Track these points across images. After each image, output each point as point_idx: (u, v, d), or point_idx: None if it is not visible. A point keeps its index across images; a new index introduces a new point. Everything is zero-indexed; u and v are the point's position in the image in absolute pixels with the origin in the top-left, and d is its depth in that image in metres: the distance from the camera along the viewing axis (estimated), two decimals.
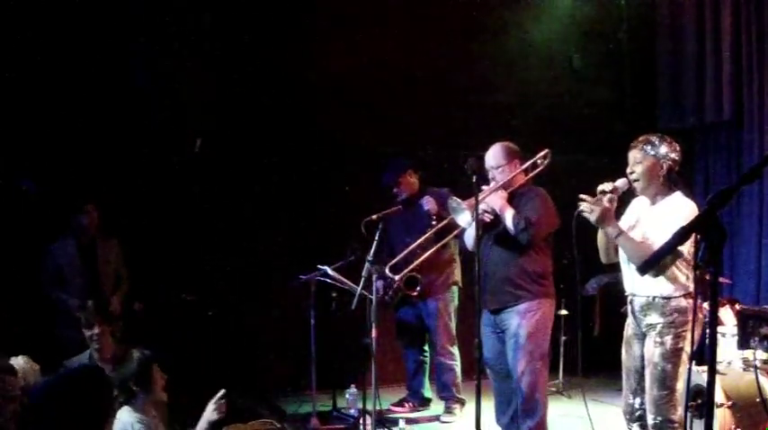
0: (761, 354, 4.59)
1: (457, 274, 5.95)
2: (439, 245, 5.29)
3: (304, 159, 6.62)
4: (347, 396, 5.85)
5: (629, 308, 4.04)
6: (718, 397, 4.36)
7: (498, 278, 4.64)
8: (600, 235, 4.06)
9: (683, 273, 3.82)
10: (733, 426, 4.38)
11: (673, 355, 3.81)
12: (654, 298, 3.87)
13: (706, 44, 6.85)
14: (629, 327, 4.04)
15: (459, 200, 4.53)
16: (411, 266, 5.32)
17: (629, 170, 3.93)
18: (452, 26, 7.05)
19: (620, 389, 4.24)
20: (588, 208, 3.85)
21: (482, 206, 4.56)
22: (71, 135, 5.89)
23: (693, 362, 3.94)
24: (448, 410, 5.92)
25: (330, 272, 5.41)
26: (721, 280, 5.76)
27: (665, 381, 3.81)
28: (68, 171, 5.85)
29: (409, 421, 5.75)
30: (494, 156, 4.74)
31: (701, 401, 4.29)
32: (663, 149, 3.88)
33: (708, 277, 2.17)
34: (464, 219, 4.54)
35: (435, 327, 5.90)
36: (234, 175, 6.44)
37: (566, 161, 5.16)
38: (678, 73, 7.17)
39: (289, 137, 6.58)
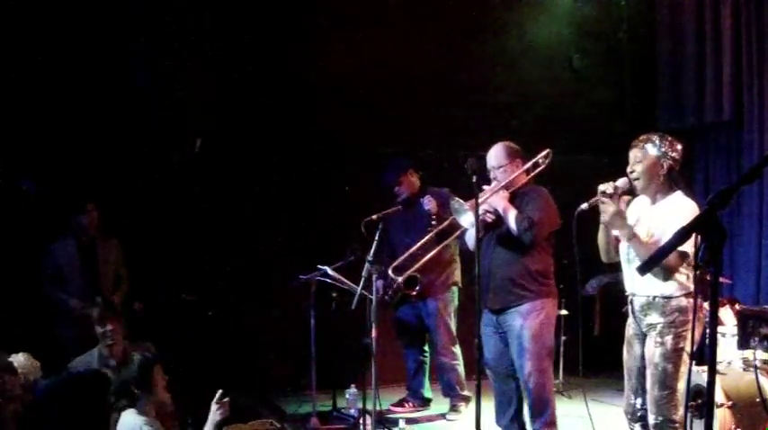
0: (761, 354, 4.59)
1: (457, 275, 5.96)
2: (441, 245, 5.29)
3: (304, 159, 6.62)
4: (347, 396, 5.85)
5: (629, 308, 4.04)
6: (718, 397, 4.35)
7: (501, 278, 4.64)
8: (600, 234, 4.06)
9: (683, 273, 3.82)
10: (733, 426, 4.37)
11: (673, 355, 3.81)
12: (654, 297, 3.87)
13: (706, 44, 6.84)
14: (630, 327, 4.04)
15: (461, 201, 4.52)
16: (414, 268, 5.32)
17: (629, 169, 3.93)
18: (452, 26, 7.05)
19: (620, 389, 4.24)
20: (604, 202, 3.84)
21: (484, 206, 4.56)
22: (71, 135, 5.89)
23: (693, 362, 3.94)
24: (453, 408, 5.92)
25: (330, 272, 5.41)
26: (721, 280, 5.76)
27: (666, 381, 3.81)
28: (68, 171, 5.85)
29: (409, 421, 5.75)
30: (495, 156, 4.74)
31: (701, 401, 4.29)
32: (663, 148, 3.88)
33: (708, 277, 2.17)
34: (467, 219, 4.54)
35: (435, 327, 5.90)
36: (234, 175, 6.44)
37: (566, 161, 5.15)
38: (678, 73, 7.17)
39: (289, 137, 6.58)
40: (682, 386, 3.81)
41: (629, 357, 4.06)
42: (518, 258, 4.62)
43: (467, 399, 5.90)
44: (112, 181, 5.97)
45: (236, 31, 6.50)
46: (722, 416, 4.35)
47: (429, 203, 5.67)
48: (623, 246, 4.02)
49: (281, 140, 6.56)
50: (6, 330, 5.09)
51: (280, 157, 6.55)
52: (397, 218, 5.81)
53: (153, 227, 6.10)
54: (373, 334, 4.79)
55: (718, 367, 4.63)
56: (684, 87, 7.10)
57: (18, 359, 3.84)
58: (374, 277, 4.92)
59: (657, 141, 3.90)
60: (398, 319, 6.09)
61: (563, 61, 7.64)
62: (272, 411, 5.71)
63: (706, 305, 4.15)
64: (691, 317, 3.78)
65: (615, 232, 3.95)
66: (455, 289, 5.96)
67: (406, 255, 5.27)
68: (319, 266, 5.47)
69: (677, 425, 3.81)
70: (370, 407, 4.96)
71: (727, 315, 5.00)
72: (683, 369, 3.81)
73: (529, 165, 4.72)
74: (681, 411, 3.81)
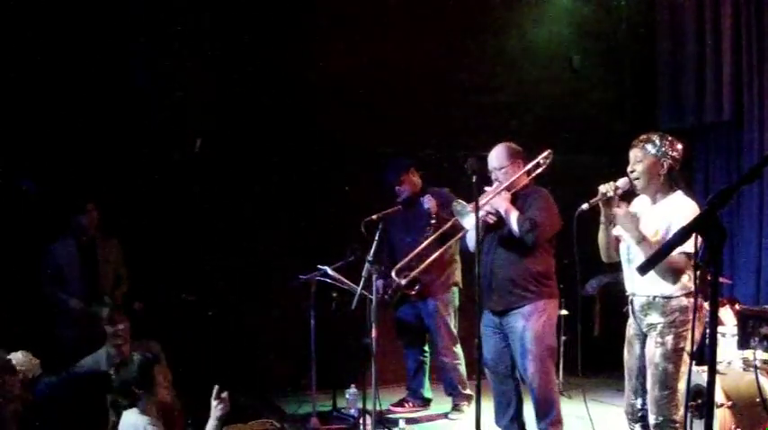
0: (761, 354, 4.59)
1: (457, 275, 5.95)
2: (443, 248, 5.30)
3: (304, 159, 6.62)
4: (347, 396, 5.85)
5: (629, 308, 4.04)
6: (718, 397, 4.35)
7: (503, 279, 4.64)
8: (601, 234, 4.06)
9: (684, 273, 3.82)
10: (733, 426, 4.37)
11: (674, 355, 3.81)
12: (654, 297, 3.87)
13: (706, 44, 6.84)
14: (631, 327, 4.04)
15: (463, 202, 4.51)
16: (417, 270, 5.32)
17: (629, 169, 3.93)
18: (452, 26, 7.05)
19: (620, 389, 4.24)
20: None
21: (486, 208, 4.57)
22: (71, 135, 5.89)
23: (693, 362, 3.94)
24: (456, 408, 5.92)
25: (330, 272, 5.40)
26: (721, 280, 5.76)
27: (667, 381, 3.81)
28: (68, 171, 5.85)
29: (409, 421, 5.74)
30: (497, 156, 4.74)
31: (701, 401, 4.29)
32: (663, 148, 3.87)
33: (708, 277, 2.17)
34: (469, 221, 4.53)
35: (435, 328, 5.90)
36: (234, 175, 6.44)
37: (566, 161, 5.15)
38: (678, 73, 7.17)
39: (289, 137, 6.57)
40: (682, 386, 3.81)
41: (629, 357, 4.06)
42: (520, 259, 4.62)
43: (469, 398, 5.90)
44: (112, 181, 5.97)
45: (236, 31, 6.49)
46: (722, 416, 4.35)
47: (429, 202, 5.68)
48: (623, 246, 4.02)
49: (281, 140, 6.56)
50: (6, 330, 5.09)
51: (280, 157, 6.55)
52: (397, 217, 5.81)
53: (153, 227, 6.09)
54: (373, 334, 4.78)
55: (718, 367, 4.63)
56: (684, 87, 7.10)
57: (17, 357, 3.84)
58: (374, 277, 4.92)
59: (657, 141, 3.89)
60: (398, 319, 6.08)
61: (563, 61, 7.65)
62: (272, 411, 5.71)
63: (706, 305, 4.15)
64: (691, 316, 3.78)
65: (623, 233, 3.94)
66: (455, 289, 5.96)
67: (409, 257, 5.27)
68: (319, 266, 5.46)
69: (677, 425, 3.81)
70: (370, 407, 4.96)
71: (727, 315, 5.00)
72: (684, 369, 3.81)
73: (530, 166, 4.72)
74: (681, 411, 3.81)
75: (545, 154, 4.72)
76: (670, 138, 3.93)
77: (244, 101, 6.53)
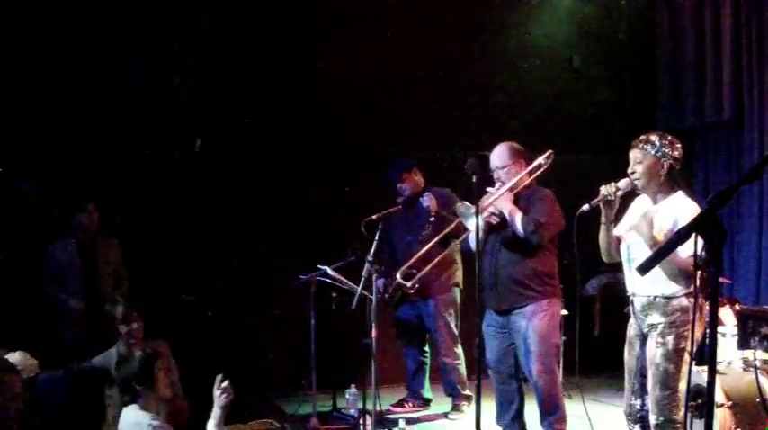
0: (761, 354, 4.59)
1: (458, 275, 5.95)
2: (447, 249, 5.31)
3: (304, 159, 6.62)
4: (347, 396, 5.85)
5: (630, 308, 4.04)
6: (718, 397, 4.35)
7: (506, 279, 4.64)
8: (601, 234, 4.06)
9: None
10: (733, 426, 4.37)
11: (675, 355, 3.81)
12: (655, 297, 3.87)
13: (706, 44, 6.84)
14: (632, 328, 4.04)
15: (467, 204, 4.50)
16: (423, 271, 5.32)
17: (630, 170, 3.92)
18: (452, 26, 7.05)
19: (620, 389, 4.24)
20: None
21: (490, 209, 4.57)
22: (71, 135, 5.89)
23: (693, 362, 3.93)
24: (456, 408, 5.92)
25: (330, 272, 5.40)
26: (721, 280, 5.76)
27: (668, 382, 3.81)
28: (68, 171, 5.85)
29: (409, 421, 5.74)
30: (499, 155, 4.73)
31: (701, 401, 4.29)
32: (663, 148, 3.86)
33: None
34: (474, 223, 4.54)
35: (436, 328, 5.90)
36: (234, 175, 6.44)
37: (566, 161, 5.15)
38: (678, 73, 7.17)
39: (289, 137, 6.57)
40: (683, 386, 3.80)
41: (630, 358, 4.05)
42: (524, 259, 4.63)
43: (469, 399, 5.90)
44: (112, 181, 5.97)
45: (236, 31, 6.49)
46: (722, 416, 4.35)
47: (428, 200, 5.67)
48: (624, 247, 4.02)
49: (281, 140, 6.56)
50: (6, 330, 5.09)
51: (280, 157, 6.55)
52: (398, 217, 5.82)
53: (153, 227, 6.10)
54: (373, 334, 4.78)
55: (718, 367, 4.63)
56: (684, 87, 7.11)
57: (14, 357, 3.84)
58: (374, 277, 4.92)
59: (657, 141, 3.89)
60: (399, 319, 6.08)
61: (563, 61, 7.65)
62: (272, 411, 5.71)
63: (707, 305, 4.15)
64: (692, 317, 3.77)
65: (630, 235, 3.93)
66: (457, 289, 5.95)
67: (414, 259, 5.27)
68: (319, 266, 5.46)
69: (678, 425, 3.80)
70: (370, 407, 4.96)
71: (727, 315, 5.00)
72: (685, 369, 3.81)
73: (532, 166, 4.71)
74: (682, 411, 3.80)
75: (547, 154, 4.71)
76: (670, 138, 3.93)
77: (244, 101, 6.53)
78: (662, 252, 2.40)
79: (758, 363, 4.49)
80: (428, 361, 6.14)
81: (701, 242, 2.12)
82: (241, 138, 6.50)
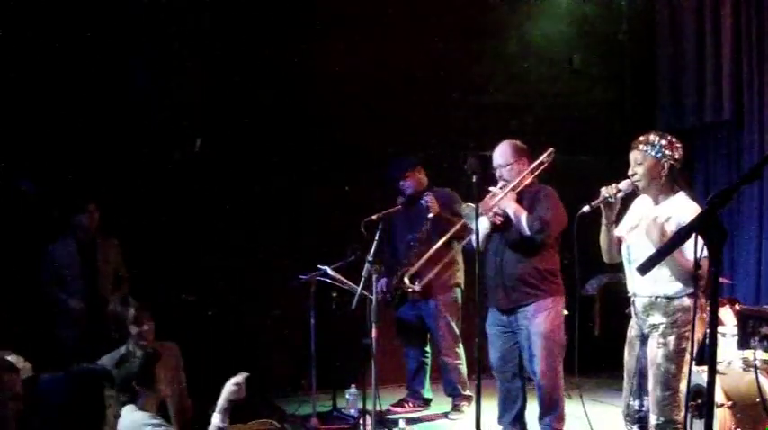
0: (761, 354, 4.58)
1: (459, 276, 5.94)
2: (453, 251, 5.31)
3: (304, 159, 6.62)
4: (347, 396, 5.85)
5: (632, 309, 4.03)
6: (718, 397, 4.35)
7: (512, 278, 4.65)
8: (602, 235, 4.05)
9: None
10: (733, 426, 4.37)
11: (676, 356, 3.80)
12: (657, 298, 3.86)
13: (706, 44, 6.84)
14: (633, 329, 4.03)
15: (472, 205, 4.48)
16: (429, 275, 5.31)
17: (630, 171, 3.90)
18: (452, 26, 7.05)
19: (619, 389, 4.24)
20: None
21: (494, 209, 4.57)
22: (71, 135, 5.89)
23: (693, 363, 3.93)
24: (456, 408, 5.92)
25: (330, 272, 5.41)
26: (721, 280, 5.76)
27: (669, 382, 3.80)
28: (68, 171, 5.85)
29: (409, 421, 5.74)
30: (502, 154, 4.73)
31: (701, 401, 4.29)
32: (663, 149, 3.85)
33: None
34: (481, 224, 4.54)
35: (436, 328, 5.90)
36: (234, 175, 6.44)
37: (565, 161, 5.15)
38: (678, 73, 7.16)
39: (289, 137, 6.57)
40: (684, 387, 3.80)
41: (629, 358, 4.05)
42: (528, 258, 4.64)
43: (469, 399, 5.90)
44: (112, 181, 5.97)
45: (236, 31, 6.49)
46: (722, 416, 4.35)
47: (429, 201, 5.66)
48: (624, 247, 4.01)
49: (281, 140, 6.56)
50: (6, 330, 5.09)
51: (280, 157, 6.55)
52: (399, 216, 5.81)
53: (153, 227, 6.09)
54: (373, 334, 4.79)
55: (718, 367, 4.63)
56: (684, 87, 7.10)
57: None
58: (374, 277, 4.92)
59: (657, 142, 3.87)
60: (400, 320, 6.08)
61: (563, 61, 7.65)
62: (272, 411, 5.70)
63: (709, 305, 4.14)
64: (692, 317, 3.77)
65: (635, 238, 3.93)
66: (458, 290, 5.95)
67: (420, 262, 5.26)
68: (319, 266, 5.46)
69: (679, 426, 3.79)
70: (370, 407, 4.96)
71: (727, 315, 5.00)
72: (686, 369, 3.80)
73: (534, 164, 4.71)
74: (683, 412, 3.80)
75: (548, 151, 4.72)
76: (670, 138, 3.91)
77: (244, 101, 6.53)
78: (662, 252, 2.40)
79: (758, 363, 4.48)
80: (429, 361, 6.14)
81: (701, 242, 2.12)
82: (241, 138, 6.49)
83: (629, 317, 4.09)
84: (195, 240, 6.28)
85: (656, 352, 3.85)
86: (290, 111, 6.59)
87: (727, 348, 4.86)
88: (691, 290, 3.78)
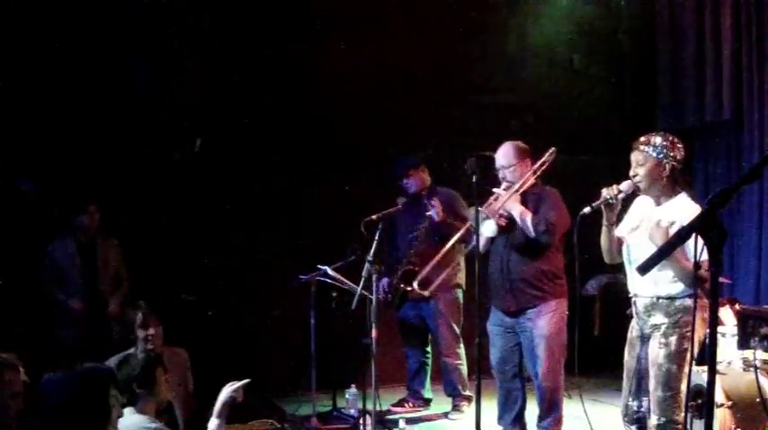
0: (761, 354, 4.59)
1: (460, 277, 5.94)
2: (463, 254, 5.32)
3: (304, 159, 6.62)
4: (347, 396, 5.85)
5: (633, 309, 4.03)
6: (718, 397, 4.35)
7: (517, 279, 4.65)
8: (603, 236, 4.04)
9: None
10: (733, 426, 4.37)
11: (677, 356, 3.80)
12: (658, 298, 3.86)
13: (706, 44, 6.83)
14: (634, 329, 4.03)
15: (480, 209, 4.48)
16: (439, 279, 5.31)
17: (631, 173, 3.89)
18: (452, 26, 7.05)
19: (619, 389, 4.23)
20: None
21: (499, 210, 4.57)
22: (71, 135, 5.89)
23: (694, 362, 3.93)
24: (456, 408, 5.92)
25: (330, 272, 5.41)
26: (721, 280, 5.76)
27: (670, 382, 3.80)
28: (68, 171, 5.85)
29: (409, 421, 5.74)
30: (504, 155, 4.73)
31: (701, 401, 4.29)
32: (665, 150, 3.83)
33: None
34: (488, 227, 4.54)
35: (437, 328, 5.90)
36: (234, 175, 6.44)
37: (565, 161, 5.15)
38: (678, 73, 7.16)
39: (289, 137, 6.57)
40: (685, 387, 3.80)
41: (629, 358, 4.04)
42: (533, 259, 4.64)
43: (469, 399, 5.90)
44: (112, 181, 5.97)
45: (236, 31, 6.49)
46: (722, 416, 4.35)
47: (434, 209, 5.63)
48: (625, 248, 4.01)
49: (281, 140, 6.56)
50: (6, 330, 5.09)
51: (280, 157, 6.55)
52: (401, 215, 5.81)
53: (153, 227, 6.09)
54: (373, 334, 4.79)
55: (718, 367, 4.63)
56: (684, 87, 7.10)
57: None
58: (374, 277, 4.92)
59: (659, 143, 3.85)
60: (401, 320, 6.08)
61: (563, 61, 7.64)
62: (272, 411, 5.70)
63: None
64: (696, 317, 3.76)
65: (631, 236, 3.93)
66: (459, 290, 5.95)
67: (428, 267, 5.26)
68: (319, 266, 5.46)
69: (679, 426, 3.79)
70: (370, 407, 4.96)
71: (727, 315, 5.00)
72: (687, 370, 3.80)
73: (537, 165, 4.71)
74: (683, 412, 3.80)
75: (550, 151, 4.71)
76: (671, 139, 3.90)
77: (244, 101, 6.53)
78: (663, 252, 2.40)
79: (758, 363, 4.48)
80: (430, 361, 6.14)
81: (701, 242, 2.12)
82: (241, 138, 6.49)
83: (629, 317, 4.09)
84: (195, 240, 6.28)
85: (657, 352, 3.84)
86: (290, 111, 6.58)
87: (727, 348, 4.86)
88: (691, 290, 3.78)
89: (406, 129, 6.77)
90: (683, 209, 3.80)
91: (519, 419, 4.85)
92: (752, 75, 6.52)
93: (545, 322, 4.61)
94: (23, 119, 5.76)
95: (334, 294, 5.66)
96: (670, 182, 3.87)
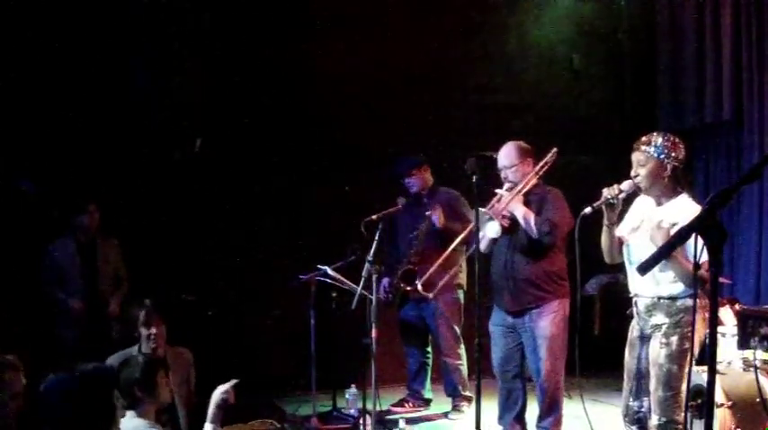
0: (761, 354, 4.58)
1: (461, 277, 5.94)
2: (466, 255, 5.32)
3: (304, 159, 6.62)
4: (347, 396, 5.85)
5: (634, 309, 4.03)
6: (718, 397, 4.35)
7: (520, 280, 4.65)
8: (604, 236, 4.04)
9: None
10: (733, 426, 4.37)
11: (678, 356, 3.79)
12: (659, 298, 3.86)
13: (706, 44, 6.84)
14: (634, 330, 4.03)
15: (482, 210, 4.46)
16: (443, 280, 5.31)
17: (633, 173, 3.88)
18: (452, 26, 7.05)
19: (619, 389, 4.23)
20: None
21: (502, 212, 4.58)
22: (71, 135, 5.89)
23: (694, 362, 3.93)
24: (456, 408, 5.92)
25: (330, 272, 5.41)
26: (721, 280, 5.76)
27: (671, 382, 3.80)
28: (68, 171, 5.85)
29: (409, 421, 5.74)
30: (507, 155, 4.72)
31: (701, 401, 4.29)
32: (666, 150, 3.83)
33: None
34: (492, 228, 4.53)
35: (437, 328, 5.90)
36: (234, 175, 6.44)
37: (565, 161, 5.15)
38: (678, 73, 7.16)
39: (289, 137, 6.57)
40: (686, 387, 3.80)
41: (630, 358, 4.04)
42: (536, 260, 4.64)
43: (469, 400, 5.90)
44: (112, 181, 5.97)
45: (236, 31, 6.49)
46: (722, 416, 4.35)
47: (436, 215, 5.63)
48: (626, 248, 4.01)
49: (281, 140, 6.56)
50: (6, 330, 5.09)
51: (280, 157, 6.55)
52: (401, 215, 5.81)
53: (153, 227, 6.09)
54: (373, 334, 4.79)
55: (718, 367, 4.63)
56: (684, 87, 7.10)
57: None
58: (374, 277, 4.92)
59: (660, 143, 3.84)
60: (402, 320, 6.08)
61: (563, 61, 7.64)
62: (272, 411, 5.70)
63: None
64: (696, 317, 3.76)
65: (631, 236, 3.93)
66: (460, 291, 5.95)
67: (431, 270, 5.26)
68: (319, 266, 5.46)
69: (680, 426, 3.79)
70: (370, 407, 4.96)
71: (727, 315, 5.00)
72: (688, 370, 3.80)
73: (539, 165, 4.70)
74: (684, 412, 3.80)
75: (552, 152, 4.71)
76: (672, 139, 3.89)
77: (244, 101, 6.53)
78: (662, 252, 2.40)
79: (758, 363, 4.48)
80: (430, 361, 6.14)
81: (701, 242, 2.12)
82: (241, 138, 6.49)
83: (629, 317, 4.09)
84: (195, 240, 6.28)
85: (658, 352, 3.84)
86: (290, 111, 6.58)
87: (727, 348, 4.86)
88: (692, 291, 3.78)
89: (406, 129, 6.77)
90: (685, 209, 3.79)
91: (519, 419, 4.85)
92: (752, 75, 6.52)
93: (547, 322, 4.61)
94: (23, 119, 5.76)
95: (334, 294, 5.66)
96: (671, 182, 3.87)
